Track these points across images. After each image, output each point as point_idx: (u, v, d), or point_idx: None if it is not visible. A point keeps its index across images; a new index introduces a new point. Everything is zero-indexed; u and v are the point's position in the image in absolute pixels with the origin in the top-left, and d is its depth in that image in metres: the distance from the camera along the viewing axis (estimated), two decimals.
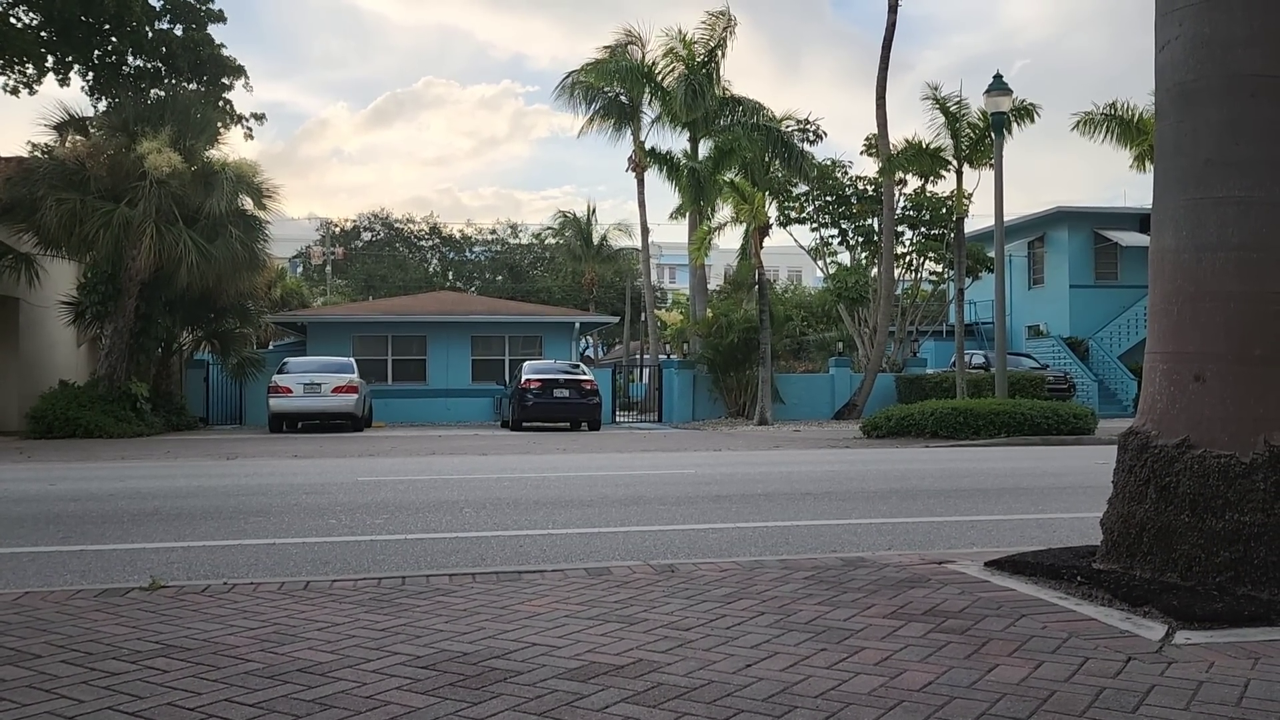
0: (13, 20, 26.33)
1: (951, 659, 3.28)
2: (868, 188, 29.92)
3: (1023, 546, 5.40)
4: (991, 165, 20.55)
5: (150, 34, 27.80)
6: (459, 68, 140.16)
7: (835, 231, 31.32)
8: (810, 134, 31.48)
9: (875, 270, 29.26)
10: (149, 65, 28.29)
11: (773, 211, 29.21)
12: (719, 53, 29.63)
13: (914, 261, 30.77)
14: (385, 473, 11.30)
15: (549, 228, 52.88)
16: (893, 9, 25.12)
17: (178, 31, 28.49)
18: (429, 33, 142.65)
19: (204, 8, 28.68)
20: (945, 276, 30.69)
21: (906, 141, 23.87)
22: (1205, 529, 3.99)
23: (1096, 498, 4.95)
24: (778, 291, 42.44)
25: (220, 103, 28.62)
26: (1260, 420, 4.00)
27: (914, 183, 28.61)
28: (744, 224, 26.65)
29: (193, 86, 28.12)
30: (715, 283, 44.93)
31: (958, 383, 21.36)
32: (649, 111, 32.20)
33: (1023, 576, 4.49)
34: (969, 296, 26.69)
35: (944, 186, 27.09)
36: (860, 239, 31.03)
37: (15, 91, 27.63)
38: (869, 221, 30.44)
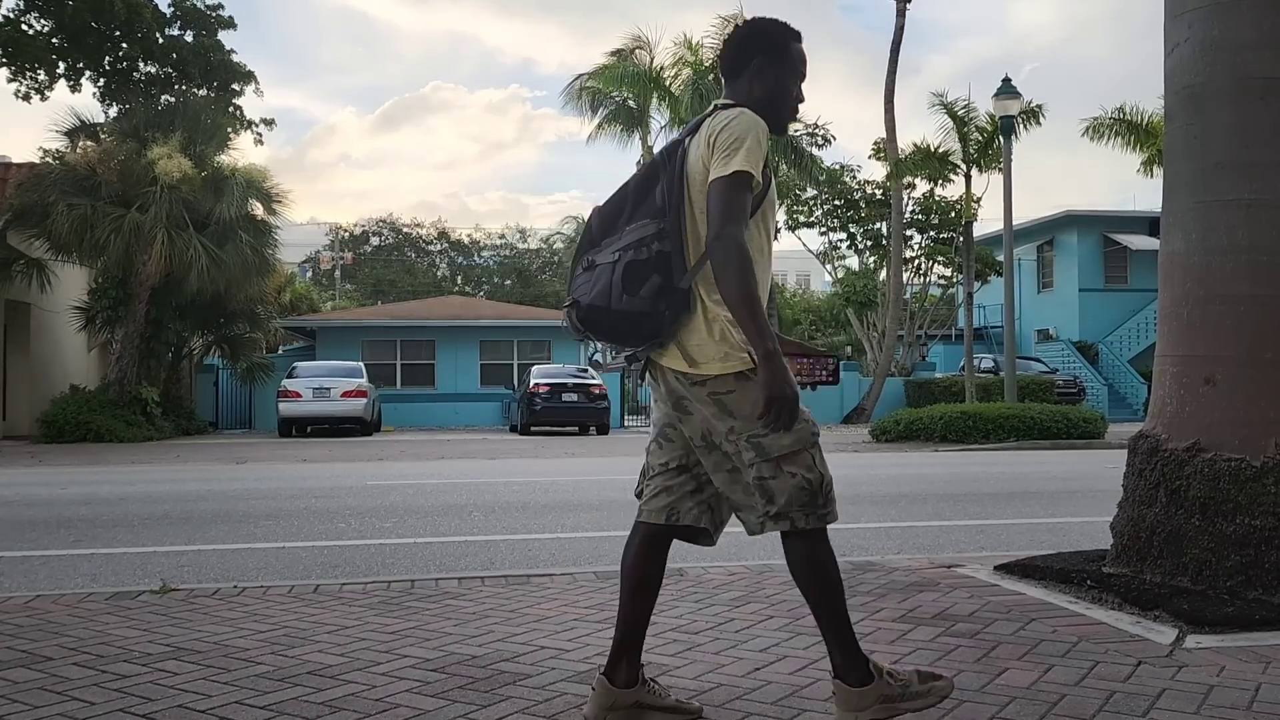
0: (24, 27, 26.51)
1: (961, 662, 3.28)
2: (876, 192, 29.90)
3: (1032, 550, 5.38)
4: (1000, 168, 20.50)
5: (161, 40, 27.98)
6: (467, 73, 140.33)
7: (844, 235, 31.34)
8: (819, 138, 31.48)
9: (884, 274, 29.26)
10: (160, 71, 28.47)
11: (781, 215, 29.22)
12: None
13: (923, 265, 30.76)
14: (394, 477, 11.32)
15: (558, 232, 52.93)
16: (901, 13, 25.13)
17: (188, 38, 28.70)
18: (437, 38, 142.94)
19: (214, 14, 28.86)
20: (954, 280, 30.65)
21: (915, 145, 23.82)
22: (1216, 533, 3.97)
23: (1106, 502, 4.94)
24: (786, 295, 42.44)
25: (230, 108, 28.76)
26: (1271, 423, 3.98)
27: (923, 186, 28.61)
28: None
29: (203, 92, 28.27)
30: None
31: (967, 387, 21.31)
32: (658, 116, 32.21)
33: (1032, 580, 4.47)
34: (978, 300, 26.62)
35: (953, 190, 27.05)
36: (869, 243, 31.04)
37: (27, 98, 27.81)
38: (877, 225, 30.44)
